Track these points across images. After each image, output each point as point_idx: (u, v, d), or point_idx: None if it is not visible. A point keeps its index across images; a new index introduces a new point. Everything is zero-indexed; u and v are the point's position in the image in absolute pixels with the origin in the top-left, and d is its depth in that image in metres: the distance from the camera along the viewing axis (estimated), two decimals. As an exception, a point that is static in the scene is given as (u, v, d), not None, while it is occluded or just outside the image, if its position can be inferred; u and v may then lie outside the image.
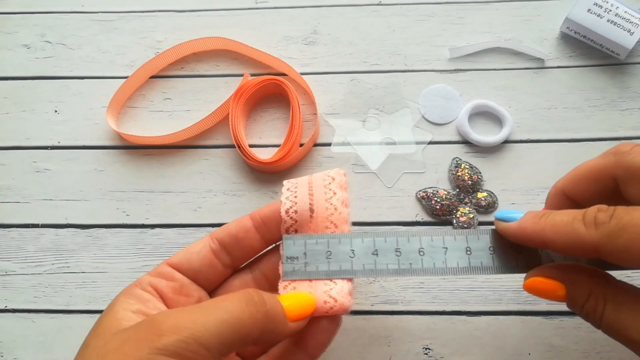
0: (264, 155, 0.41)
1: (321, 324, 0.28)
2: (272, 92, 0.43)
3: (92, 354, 0.24)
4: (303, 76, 0.43)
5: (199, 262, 0.29)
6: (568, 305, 0.27)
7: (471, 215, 0.39)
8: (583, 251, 0.25)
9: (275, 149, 0.41)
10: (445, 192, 0.40)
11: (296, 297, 0.28)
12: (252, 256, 0.31)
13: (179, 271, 0.29)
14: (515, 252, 0.29)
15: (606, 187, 0.28)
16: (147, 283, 0.28)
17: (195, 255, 0.29)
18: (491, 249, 0.29)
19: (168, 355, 0.22)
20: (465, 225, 0.39)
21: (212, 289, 0.30)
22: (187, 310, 0.24)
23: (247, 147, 0.40)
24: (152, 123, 0.44)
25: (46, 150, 0.43)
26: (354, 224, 0.40)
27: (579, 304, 0.26)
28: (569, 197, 0.29)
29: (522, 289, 0.37)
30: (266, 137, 0.43)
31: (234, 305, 0.24)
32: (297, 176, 0.41)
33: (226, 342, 0.23)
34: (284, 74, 0.43)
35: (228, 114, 0.42)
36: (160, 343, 0.22)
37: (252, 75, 0.44)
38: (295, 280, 0.29)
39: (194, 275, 0.29)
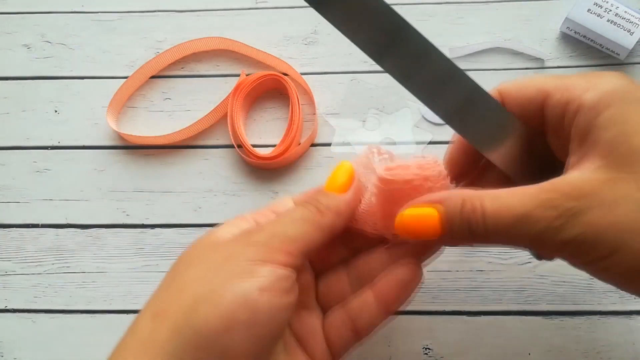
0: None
1: (399, 274, 0.27)
2: (271, 88, 0.43)
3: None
4: (303, 76, 0.43)
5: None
6: (445, 230, 0.24)
7: (471, 215, 0.39)
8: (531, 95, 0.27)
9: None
10: (445, 192, 0.40)
11: (335, 172, 0.28)
12: None
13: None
14: None
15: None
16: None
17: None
18: None
19: (257, 247, 0.24)
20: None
21: None
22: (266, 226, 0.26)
23: (247, 143, 0.40)
24: (152, 123, 0.44)
25: (46, 150, 0.43)
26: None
27: (456, 214, 0.24)
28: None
29: (522, 289, 0.38)
30: (266, 137, 0.43)
31: (304, 212, 0.26)
32: (295, 175, 0.41)
33: (304, 238, 0.25)
34: (284, 74, 0.43)
35: (227, 112, 0.42)
36: (254, 239, 0.25)
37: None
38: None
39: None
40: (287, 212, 0.27)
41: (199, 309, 0.22)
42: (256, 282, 0.23)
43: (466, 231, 0.24)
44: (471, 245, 0.28)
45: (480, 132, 0.27)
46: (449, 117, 0.27)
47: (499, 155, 0.27)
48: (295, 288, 0.25)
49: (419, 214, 0.25)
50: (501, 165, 0.27)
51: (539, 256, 0.33)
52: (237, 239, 0.25)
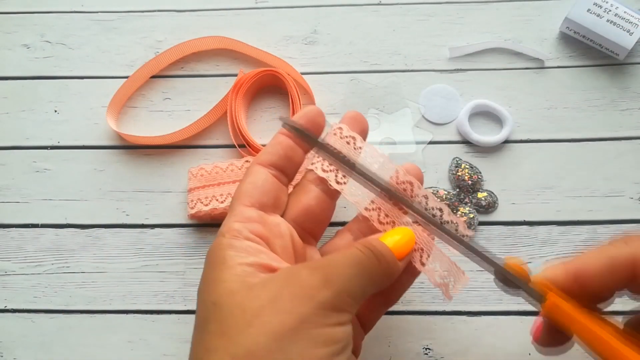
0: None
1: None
2: (269, 84, 0.43)
3: (233, 312, 0.24)
4: (303, 76, 0.43)
5: (273, 193, 0.29)
6: None
7: (471, 215, 0.39)
8: (618, 270, 0.25)
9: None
10: (445, 192, 0.40)
11: (398, 234, 0.28)
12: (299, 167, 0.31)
13: (262, 209, 0.28)
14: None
15: (624, 277, 0.26)
16: (248, 232, 0.27)
17: (267, 188, 0.29)
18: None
19: (327, 309, 0.23)
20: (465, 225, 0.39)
21: (283, 210, 0.30)
22: (325, 264, 0.25)
23: (251, 138, 0.41)
24: (152, 123, 0.44)
25: (46, 150, 0.43)
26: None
27: None
28: (581, 285, 0.26)
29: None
30: (267, 137, 0.43)
31: (363, 259, 0.26)
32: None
33: (363, 292, 0.25)
34: (284, 74, 0.43)
35: (226, 110, 0.42)
36: (321, 297, 0.23)
37: (252, 75, 0.44)
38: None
39: (272, 208, 0.29)
40: (342, 253, 0.26)
41: None
42: (336, 349, 0.23)
43: None
44: None
45: None
46: None
47: None
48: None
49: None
50: None
51: None
52: (282, 287, 0.24)
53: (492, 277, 0.38)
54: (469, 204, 0.40)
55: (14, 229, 0.41)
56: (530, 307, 0.37)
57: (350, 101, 0.43)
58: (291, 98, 0.41)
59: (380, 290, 0.27)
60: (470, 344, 0.37)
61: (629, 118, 0.42)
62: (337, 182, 0.30)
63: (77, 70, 0.45)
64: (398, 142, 0.42)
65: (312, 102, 0.43)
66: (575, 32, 0.44)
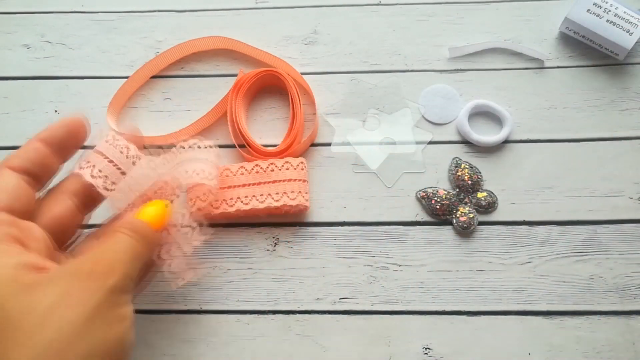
0: (264, 155, 0.41)
1: None
2: (269, 84, 0.43)
3: (18, 316, 0.24)
4: (303, 76, 0.43)
5: (24, 200, 0.29)
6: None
7: (471, 215, 0.39)
8: None
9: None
10: (445, 192, 0.40)
11: (152, 207, 0.31)
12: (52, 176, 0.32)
13: (14, 213, 0.28)
14: None
15: None
16: (4, 235, 0.27)
17: (18, 194, 0.29)
18: None
19: (116, 293, 0.26)
20: (465, 225, 0.39)
21: (33, 217, 0.30)
22: (104, 254, 0.28)
23: (251, 138, 0.40)
24: (152, 123, 0.44)
25: (46, 150, 0.43)
26: (355, 223, 0.40)
27: None
28: None
29: (522, 289, 0.38)
30: (267, 137, 0.43)
31: (133, 241, 0.29)
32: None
33: (137, 271, 0.28)
34: (284, 74, 0.43)
35: (227, 110, 0.42)
36: (110, 283, 0.26)
37: (252, 75, 0.44)
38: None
39: (22, 215, 0.29)
40: (113, 240, 0.28)
41: None
42: (129, 324, 0.28)
43: None
44: None
45: None
46: None
47: None
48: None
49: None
50: None
51: None
52: (70, 282, 0.26)
53: (491, 277, 0.38)
54: (469, 204, 0.40)
55: (14, 229, 0.41)
56: (530, 307, 0.37)
57: (350, 101, 0.43)
58: (291, 98, 0.41)
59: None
60: (470, 344, 0.37)
61: (629, 118, 0.42)
62: (106, 189, 0.31)
63: (77, 70, 0.45)
64: (398, 142, 0.42)
65: (312, 102, 0.43)
66: (575, 32, 0.44)
